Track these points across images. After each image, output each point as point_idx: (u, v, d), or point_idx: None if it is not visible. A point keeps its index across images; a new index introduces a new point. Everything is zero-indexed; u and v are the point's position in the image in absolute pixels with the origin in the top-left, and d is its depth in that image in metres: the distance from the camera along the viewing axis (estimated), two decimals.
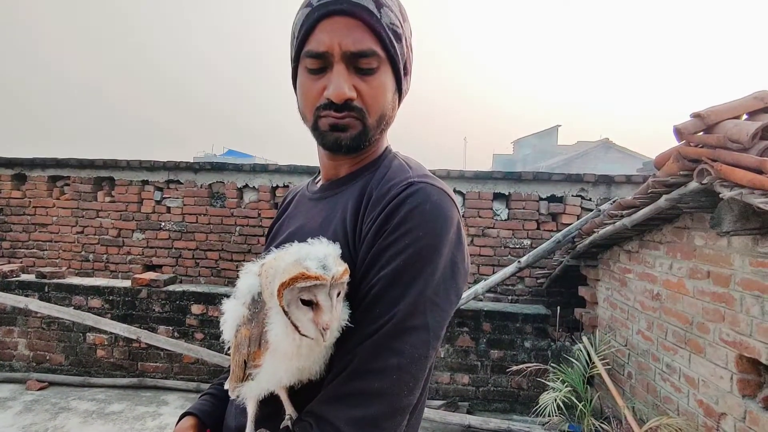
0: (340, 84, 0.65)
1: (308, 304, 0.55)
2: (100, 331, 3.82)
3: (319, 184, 0.82)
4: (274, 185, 4.47)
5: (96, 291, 3.97)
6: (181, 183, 4.57)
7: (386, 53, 0.68)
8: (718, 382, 2.07)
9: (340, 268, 0.56)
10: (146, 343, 3.72)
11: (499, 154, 27.45)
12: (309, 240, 0.62)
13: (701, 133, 1.82)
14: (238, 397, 0.66)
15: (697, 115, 1.80)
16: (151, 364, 3.91)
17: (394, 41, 0.68)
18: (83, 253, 4.67)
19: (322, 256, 0.56)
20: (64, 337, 3.97)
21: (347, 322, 0.59)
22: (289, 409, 0.64)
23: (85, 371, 3.94)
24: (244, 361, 0.62)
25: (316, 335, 0.56)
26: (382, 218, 0.63)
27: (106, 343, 3.93)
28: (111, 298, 3.96)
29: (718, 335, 2.07)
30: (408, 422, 0.66)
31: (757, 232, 1.79)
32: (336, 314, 0.56)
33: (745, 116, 1.77)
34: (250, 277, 0.65)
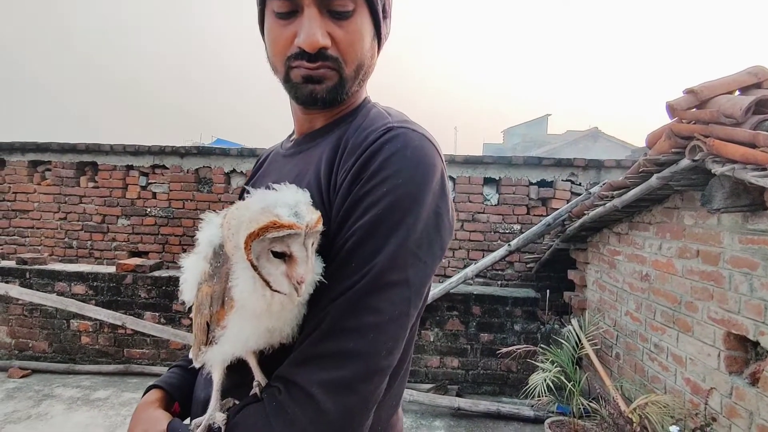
0: (312, 30, 0.58)
1: (280, 256, 0.50)
2: (84, 317, 3.75)
3: (293, 140, 0.76)
4: None
5: (79, 277, 3.89)
6: (167, 168, 4.47)
7: None
8: (705, 359, 2.08)
9: (313, 216, 0.50)
10: (132, 330, 3.67)
11: (489, 143, 27.45)
12: (275, 186, 0.55)
13: (694, 109, 1.81)
14: (203, 365, 0.60)
15: (690, 91, 1.78)
16: (138, 350, 3.85)
17: None
18: (66, 239, 4.56)
19: (293, 203, 0.50)
20: (47, 324, 3.88)
21: (321, 277, 0.54)
22: (258, 376, 0.59)
23: (69, 358, 3.86)
24: (207, 323, 0.56)
25: (289, 290, 0.50)
26: (358, 166, 0.57)
27: (90, 329, 3.86)
28: (95, 284, 3.88)
29: (707, 314, 2.08)
30: (389, 388, 0.62)
31: (747, 209, 1.78)
32: (311, 266, 0.51)
33: (737, 92, 1.75)
34: (212, 227, 0.58)
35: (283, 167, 0.72)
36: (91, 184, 4.55)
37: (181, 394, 0.73)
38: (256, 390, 0.57)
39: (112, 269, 3.97)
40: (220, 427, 0.54)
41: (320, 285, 0.54)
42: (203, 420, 0.56)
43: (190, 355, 0.65)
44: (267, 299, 0.51)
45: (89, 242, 4.53)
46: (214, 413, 0.56)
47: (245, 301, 0.51)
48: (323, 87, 0.62)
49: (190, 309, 0.62)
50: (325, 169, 0.62)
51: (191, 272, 0.59)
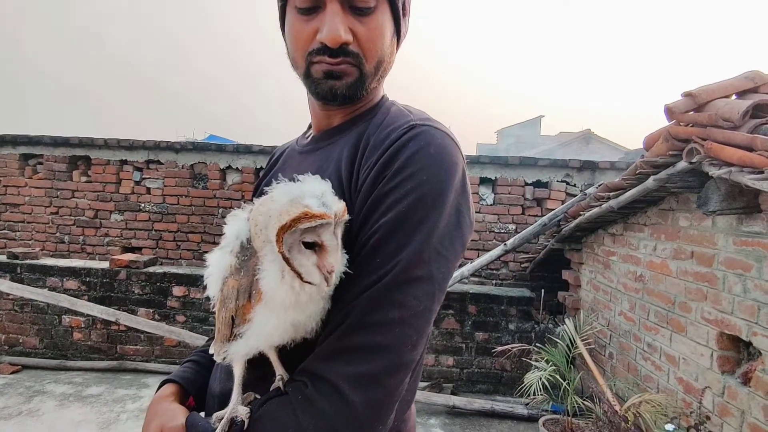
0: (335, 26, 0.59)
1: (310, 246, 0.50)
2: (76, 313, 3.70)
3: (310, 137, 0.76)
4: (258, 167, 4.37)
5: (72, 272, 3.84)
6: (162, 163, 4.43)
7: None
8: (698, 359, 2.12)
9: (340, 205, 0.51)
10: (125, 326, 3.63)
11: (482, 143, 27.55)
12: (298, 177, 0.55)
13: (691, 112, 1.83)
14: (224, 359, 0.59)
15: (688, 94, 1.81)
16: (131, 347, 3.82)
17: None
18: (58, 234, 4.50)
19: (319, 193, 0.51)
20: (38, 319, 3.84)
21: (346, 268, 0.54)
22: (280, 370, 0.59)
23: (61, 354, 3.82)
24: (232, 317, 0.56)
25: (319, 280, 0.50)
26: (381, 163, 0.58)
27: (83, 325, 3.82)
28: (88, 279, 3.84)
29: (700, 314, 2.12)
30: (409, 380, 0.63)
31: (742, 211, 1.81)
32: (340, 256, 0.52)
33: (734, 96, 1.79)
34: (239, 222, 0.58)
35: (300, 164, 0.72)
36: (83, 179, 4.49)
37: (196, 389, 0.73)
38: (279, 384, 0.57)
39: (105, 265, 3.93)
40: (243, 421, 0.54)
41: (344, 280, 0.55)
42: (226, 413, 0.56)
43: (211, 350, 0.65)
44: (296, 290, 0.51)
45: (81, 237, 4.48)
46: (237, 406, 0.56)
47: (274, 293, 0.51)
48: (343, 83, 0.63)
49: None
50: (347, 166, 0.62)
51: (216, 267, 0.58)
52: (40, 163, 4.53)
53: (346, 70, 0.62)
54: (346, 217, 0.52)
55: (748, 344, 1.87)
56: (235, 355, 0.58)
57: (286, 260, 0.49)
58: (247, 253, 0.54)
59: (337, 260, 0.51)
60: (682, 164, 1.94)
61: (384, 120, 0.64)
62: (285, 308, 0.52)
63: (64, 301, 3.46)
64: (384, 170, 0.57)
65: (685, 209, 2.26)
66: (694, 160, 1.83)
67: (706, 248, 2.09)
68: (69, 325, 3.83)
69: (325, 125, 0.72)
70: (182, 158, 4.42)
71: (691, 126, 1.85)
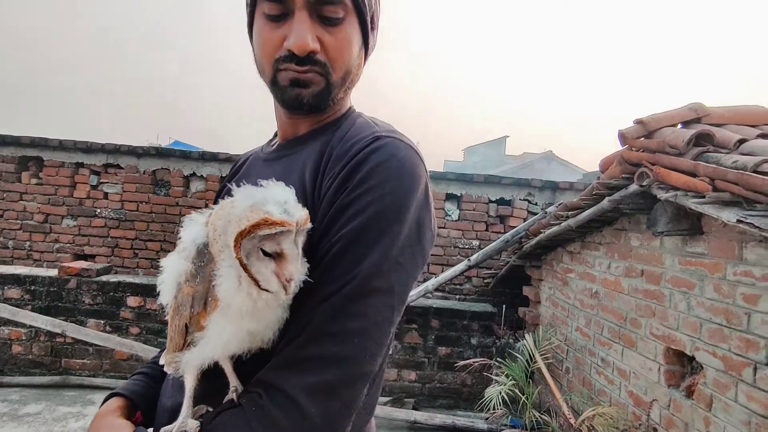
0: (302, 33, 0.59)
1: (269, 254, 0.49)
2: (17, 324, 3.47)
3: (275, 145, 0.75)
4: (224, 175, 4.28)
5: (15, 280, 3.60)
6: (122, 168, 4.26)
7: (353, 2, 0.63)
8: (647, 373, 2.21)
9: (302, 213, 0.50)
10: (73, 338, 3.43)
11: (450, 160, 28.13)
12: (261, 182, 0.54)
13: (642, 138, 1.95)
14: (176, 370, 0.57)
15: (639, 121, 1.93)
16: (78, 360, 3.60)
17: None
18: (2, 239, 4.23)
19: (282, 200, 0.50)
20: None
21: (306, 277, 0.54)
22: (234, 382, 0.57)
23: None
24: (186, 324, 0.54)
25: (277, 288, 0.50)
26: (344, 174, 0.58)
27: (23, 337, 3.57)
28: (33, 288, 3.61)
29: (649, 330, 2.22)
30: (367, 392, 0.63)
31: (687, 233, 1.93)
32: (300, 265, 0.51)
33: (680, 125, 1.92)
34: (196, 226, 0.56)
35: (264, 171, 0.71)
36: (34, 181, 4.26)
37: (145, 403, 0.69)
38: (232, 396, 0.55)
39: (54, 272, 3.71)
40: None
41: (304, 289, 0.54)
42: (174, 427, 0.53)
43: (162, 361, 0.62)
44: (253, 298, 0.50)
45: (28, 243, 4.22)
46: (186, 420, 0.54)
47: (230, 300, 0.50)
48: (309, 91, 0.63)
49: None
50: (310, 176, 0.62)
51: (171, 272, 0.56)
52: None
53: (313, 79, 0.63)
54: (308, 225, 0.52)
55: (692, 359, 1.97)
56: (187, 365, 0.56)
57: (244, 267, 0.48)
58: (203, 258, 0.53)
59: (296, 269, 0.50)
60: (633, 187, 2.06)
61: (349, 131, 0.64)
62: (241, 316, 0.51)
63: (3, 310, 3.23)
64: (346, 181, 0.57)
65: (637, 229, 2.39)
66: (644, 183, 1.94)
67: (655, 267, 2.20)
68: (8, 338, 3.57)
69: (290, 134, 0.72)
70: (144, 163, 4.27)
71: (642, 151, 1.97)
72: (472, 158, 25.65)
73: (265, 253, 0.49)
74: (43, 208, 4.22)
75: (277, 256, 0.49)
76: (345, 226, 0.55)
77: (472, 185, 4.29)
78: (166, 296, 0.57)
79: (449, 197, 4.31)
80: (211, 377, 0.58)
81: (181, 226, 0.57)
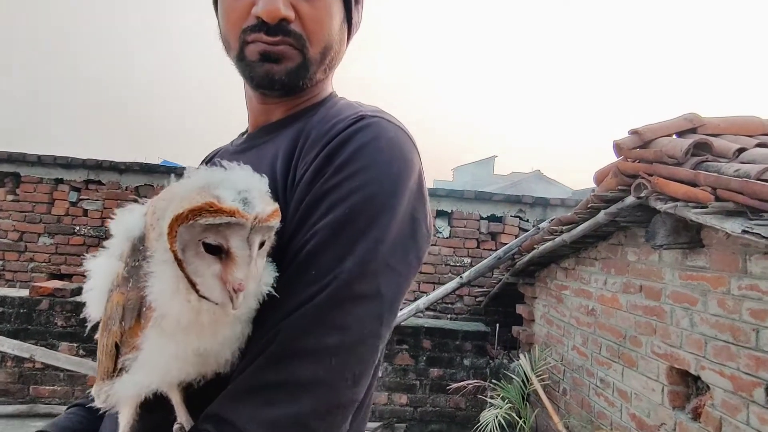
0: None
1: (215, 252, 0.38)
2: None
3: (246, 135, 0.66)
4: None
5: None
6: (103, 184, 4.13)
7: None
8: (650, 395, 2.11)
9: (267, 208, 0.40)
10: (42, 363, 3.22)
11: (439, 180, 28.30)
12: (225, 164, 0.44)
13: (638, 149, 1.90)
14: (106, 401, 0.45)
15: (634, 132, 1.88)
16: (47, 387, 3.38)
17: None
18: None
19: (242, 187, 0.40)
20: None
21: (272, 289, 0.43)
22: (182, 417, 0.45)
23: None
24: (116, 343, 0.42)
25: (222, 298, 0.38)
26: (322, 157, 0.48)
27: None
28: (1, 309, 3.41)
29: (650, 348, 2.13)
30: (352, 422, 0.51)
31: (687, 246, 1.87)
32: (255, 272, 0.40)
33: (675, 135, 1.88)
34: (132, 216, 0.45)
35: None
36: (10, 197, 4.10)
37: None
38: None
39: (25, 293, 3.52)
40: None
41: (271, 298, 0.44)
42: None
43: (93, 391, 0.50)
44: (194, 306, 0.39)
45: (1, 262, 4.03)
46: None
47: (165, 308, 0.39)
48: (283, 67, 0.54)
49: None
50: (282, 165, 0.52)
51: (99, 277, 0.45)
52: None
53: (286, 53, 0.53)
54: (273, 223, 0.41)
55: (697, 378, 1.88)
56: (120, 396, 0.44)
57: (178, 261, 0.37)
58: (139, 256, 0.41)
59: (249, 276, 0.39)
60: (630, 199, 2.00)
61: (329, 113, 0.55)
62: (183, 330, 0.40)
63: None
64: (325, 166, 0.48)
65: (633, 244, 2.32)
66: (641, 195, 1.88)
67: (654, 282, 2.13)
68: None
69: (262, 121, 0.62)
70: (126, 179, 4.15)
71: (638, 162, 1.91)
72: (462, 178, 25.83)
73: (209, 250, 0.38)
74: (18, 226, 4.05)
75: (224, 257, 0.39)
76: (322, 218, 0.45)
77: (462, 202, 4.24)
78: (93, 308, 0.47)
79: (440, 214, 4.24)
80: (156, 409, 0.46)
81: (112, 217, 0.46)
